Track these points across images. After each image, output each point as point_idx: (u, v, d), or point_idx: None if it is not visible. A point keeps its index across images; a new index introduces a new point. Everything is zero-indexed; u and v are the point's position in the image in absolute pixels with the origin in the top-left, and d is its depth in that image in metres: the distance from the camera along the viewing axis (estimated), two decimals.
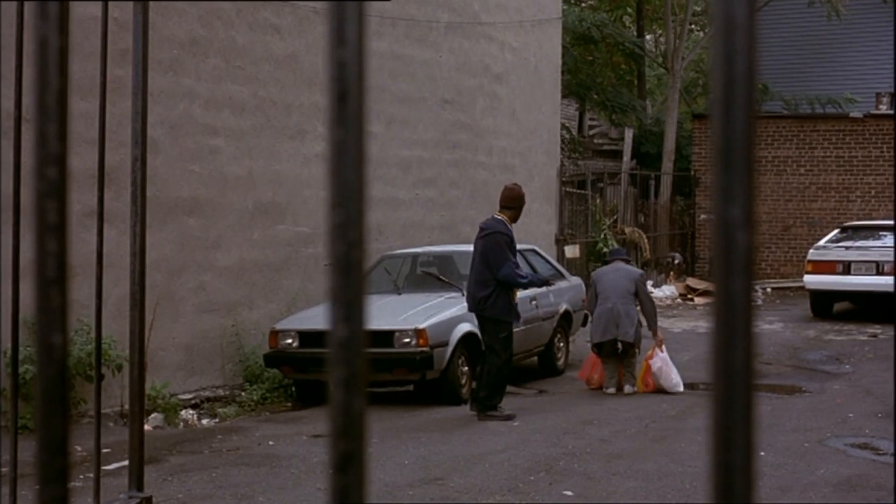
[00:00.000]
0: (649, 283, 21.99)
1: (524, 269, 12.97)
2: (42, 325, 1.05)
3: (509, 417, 10.10)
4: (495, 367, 10.15)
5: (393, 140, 14.95)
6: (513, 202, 10.38)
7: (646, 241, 22.13)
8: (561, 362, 13.35)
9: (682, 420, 9.92)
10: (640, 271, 12.50)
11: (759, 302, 20.16)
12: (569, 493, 7.37)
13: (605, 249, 20.33)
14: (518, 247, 14.00)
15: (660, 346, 11.45)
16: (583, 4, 30.69)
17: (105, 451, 6.39)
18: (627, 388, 11.38)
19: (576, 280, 14.61)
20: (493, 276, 10.04)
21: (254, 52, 12.55)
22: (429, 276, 12.48)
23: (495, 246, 10.11)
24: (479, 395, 10.23)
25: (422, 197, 15.70)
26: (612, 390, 11.41)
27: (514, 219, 10.42)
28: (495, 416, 10.11)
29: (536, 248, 14.37)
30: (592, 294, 11.75)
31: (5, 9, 7.20)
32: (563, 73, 21.12)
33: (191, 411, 11.03)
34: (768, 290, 22.51)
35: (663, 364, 11.34)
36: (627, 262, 12.44)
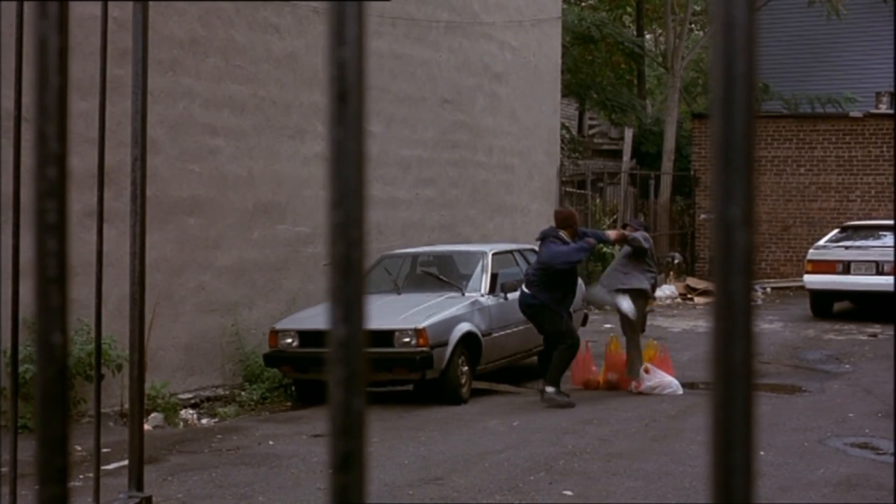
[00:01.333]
0: None
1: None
2: (42, 325, 1.05)
3: (569, 405, 10.66)
4: (559, 351, 10.92)
5: (393, 140, 14.95)
6: (565, 222, 11.24)
7: None
8: None
9: (682, 420, 9.92)
10: None
11: (759, 301, 20.16)
12: (569, 492, 7.38)
13: (606, 250, 20.33)
14: (518, 247, 14.08)
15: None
16: (582, 4, 30.70)
17: (105, 450, 6.40)
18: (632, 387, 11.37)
19: None
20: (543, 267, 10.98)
21: (253, 52, 12.55)
22: (429, 275, 12.49)
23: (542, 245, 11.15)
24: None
25: (422, 197, 15.70)
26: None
27: (573, 235, 11.17)
28: (555, 399, 10.70)
29: (536, 248, 14.37)
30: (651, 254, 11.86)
31: (5, 9, 7.20)
32: (562, 72, 21.12)
33: (191, 411, 11.03)
34: (768, 289, 22.51)
35: (658, 383, 11.32)
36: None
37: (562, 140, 21.17)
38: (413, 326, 10.72)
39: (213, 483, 7.84)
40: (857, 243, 17.76)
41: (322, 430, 9.60)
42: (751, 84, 0.94)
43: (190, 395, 11.43)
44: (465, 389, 11.21)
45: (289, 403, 11.65)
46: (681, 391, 11.22)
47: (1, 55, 6.57)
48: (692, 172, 24.96)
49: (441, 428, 9.78)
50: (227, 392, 11.82)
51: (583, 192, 21.18)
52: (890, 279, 16.24)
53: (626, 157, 24.91)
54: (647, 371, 11.39)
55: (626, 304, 11.35)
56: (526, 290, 11.08)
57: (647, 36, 32.29)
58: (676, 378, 11.43)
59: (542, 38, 19.20)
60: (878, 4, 25.26)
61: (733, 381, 0.94)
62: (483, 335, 11.49)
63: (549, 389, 10.78)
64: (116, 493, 3.96)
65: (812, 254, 18.03)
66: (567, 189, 20.50)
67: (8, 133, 8.01)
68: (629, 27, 31.12)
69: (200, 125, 11.83)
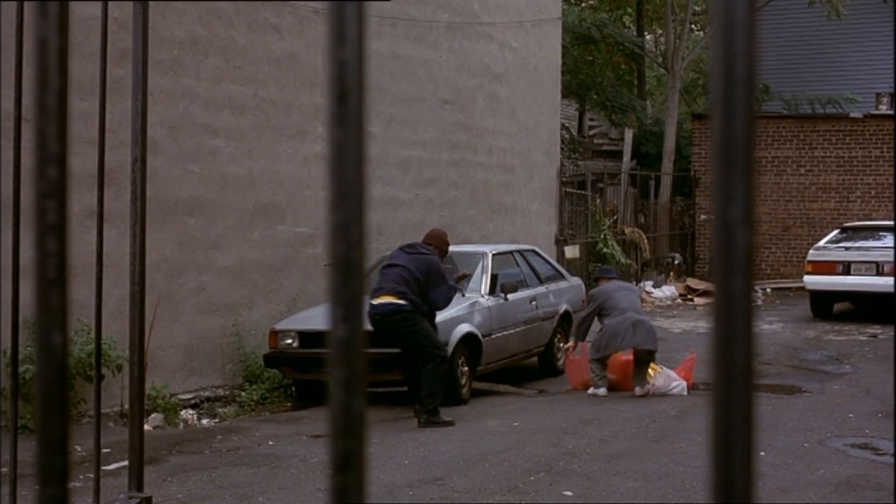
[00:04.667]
0: (649, 283, 22.03)
1: (516, 270, 13.03)
2: (42, 325, 1.05)
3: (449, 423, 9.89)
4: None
5: (393, 140, 14.95)
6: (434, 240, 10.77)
7: (646, 241, 22.13)
8: (561, 362, 13.35)
9: (682, 420, 9.92)
10: (638, 288, 12.53)
11: (759, 302, 20.16)
12: (569, 493, 7.38)
13: (606, 250, 20.35)
14: (518, 247, 14.10)
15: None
16: (583, 4, 30.70)
17: (105, 451, 6.40)
18: (638, 391, 11.31)
19: (576, 280, 14.62)
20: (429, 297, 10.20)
21: (254, 52, 12.55)
22: None
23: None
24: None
25: (422, 197, 15.70)
26: (603, 391, 11.36)
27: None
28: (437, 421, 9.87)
29: (536, 249, 14.39)
30: (595, 311, 11.54)
31: (5, 9, 7.21)
32: (563, 73, 21.12)
33: (191, 411, 11.03)
34: (768, 290, 22.51)
35: (664, 381, 11.33)
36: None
37: (562, 141, 21.17)
38: None
39: (214, 483, 7.84)
40: (858, 244, 17.77)
41: (322, 430, 9.60)
42: (751, 85, 0.94)
43: (190, 396, 11.42)
44: (465, 390, 11.21)
45: (289, 404, 11.65)
46: (685, 392, 11.22)
47: (1, 55, 6.57)
48: (692, 173, 24.96)
49: (441, 428, 9.77)
50: (227, 392, 11.82)
51: (583, 192, 21.18)
52: (890, 280, 16.24)
53: (627, 157, 24.91)
54: (658, 372, 11.41)
55: None
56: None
57: (648, 36, 32.30)
58: (692, 382, 11.40)
59: (543, 38, 19.20)
60: (878, 4, 25.26)
61: (733, 382, 0.94)
62: (483, 336, 11.49)
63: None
64: (117, 493, 3.97)
65: (812, 254, 18.04)
66: (567, 190, 20.50)
67: (8, 133, 8.01)
68: (629, 28, 31.12)
69: (200, 125, 11.83)
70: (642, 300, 18.69)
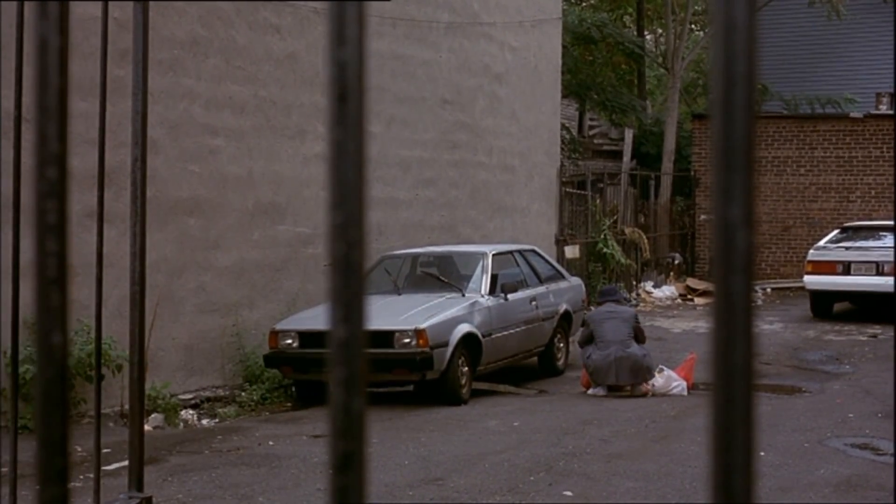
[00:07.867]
0: (649, 283, 22.01)
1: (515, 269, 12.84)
2: (42, 325, 1.05)
3: None
4: None
5: (393, 140, 14.95)
6: None
7: (646, 241, 22.12)
8: (561, 362, 13.36)
9: (682, 420, 9.92)
10: (633, 311, 12.35)
11: (759, 302, 20.15)
12: (569, 493, 7.38)
13: (606, 250, 20.34)
14: (518, 247, 14.09)
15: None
16: (583, 4, 30.70)
17: (105, 451, 6.39)
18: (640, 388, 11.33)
19: (576, 280, 14.62)
20: None
21: (254, 52, 12.55)
22: (429, 276, 12.49)
23: None
24: None
25: (422, 197, 15.70)
26: (602, 391, 11.37)
27: None
28: None
29: (536, 249, 14.39)
30: (587, 336, 11.53)
31: (5, 9, 7.21)
32: (563, 73, 21.11)
33: (191, 411, 11.03)
34: (768, 290, 22.50)
35: (664, 381, 11.34)
36: (618, 301, 12.34)
37: (562, 141, 21.15)
38: (413, 327, 10.72)
39: (214, 483, 7.84)
40: (858, 244, 17.77)
41: (322, 430, 9.60)
42: (751, 85, 0.94)
43: (190, 396, 11.42)
44: (465, 390, 11.21)
45: (289, 404, 11.65)
46: (685, 392, 11.23)
47: (1, 55, 6.57)
48: (692, 173, 24.96)
49: (441, 428, 9.78)
50: (227, 393, 11.82)
51: (583, 192, 21.17)
52: (890, 280, 16.23)
53: (627, 157, 24.88)
54: (659, 372, 11.43)
55: None
56: None
57: (648, 36, 32.29)
58: (692, 382, 11.40)
59: (543, 38, 19.20)
60: (878, 4, 25.25)
61: (733, 382, 0.94)
62: (483, 336, 11.49)
63: None
64: (117, 493, 3.96)
65: (812, 254, 18.03)
66: (567, 189, 20.49)
67: (8, 133, 8.00)
68: (629, 27, 31.12)
69: (200, 125, 11.83)
70: (642, 301, 18.65)
